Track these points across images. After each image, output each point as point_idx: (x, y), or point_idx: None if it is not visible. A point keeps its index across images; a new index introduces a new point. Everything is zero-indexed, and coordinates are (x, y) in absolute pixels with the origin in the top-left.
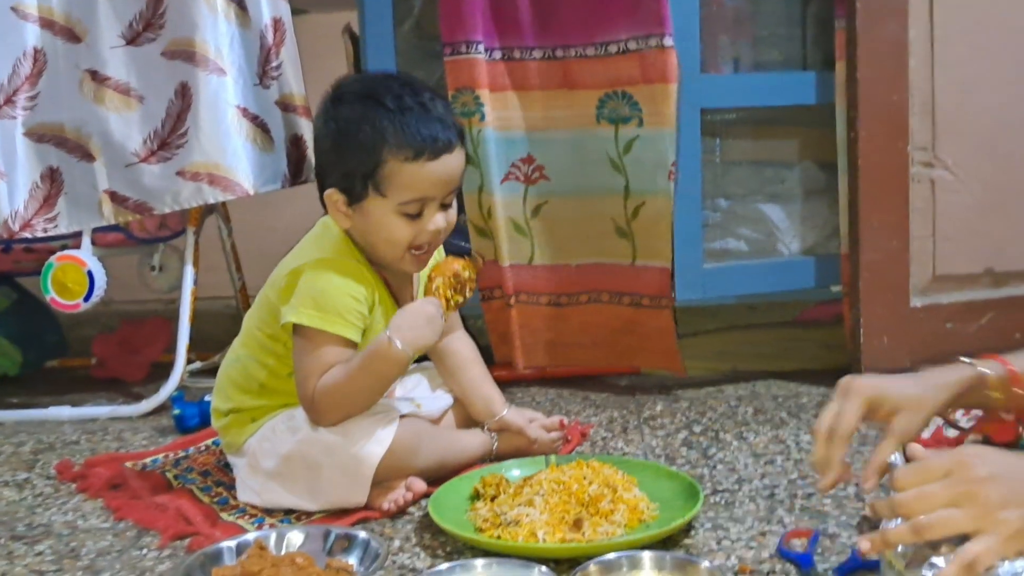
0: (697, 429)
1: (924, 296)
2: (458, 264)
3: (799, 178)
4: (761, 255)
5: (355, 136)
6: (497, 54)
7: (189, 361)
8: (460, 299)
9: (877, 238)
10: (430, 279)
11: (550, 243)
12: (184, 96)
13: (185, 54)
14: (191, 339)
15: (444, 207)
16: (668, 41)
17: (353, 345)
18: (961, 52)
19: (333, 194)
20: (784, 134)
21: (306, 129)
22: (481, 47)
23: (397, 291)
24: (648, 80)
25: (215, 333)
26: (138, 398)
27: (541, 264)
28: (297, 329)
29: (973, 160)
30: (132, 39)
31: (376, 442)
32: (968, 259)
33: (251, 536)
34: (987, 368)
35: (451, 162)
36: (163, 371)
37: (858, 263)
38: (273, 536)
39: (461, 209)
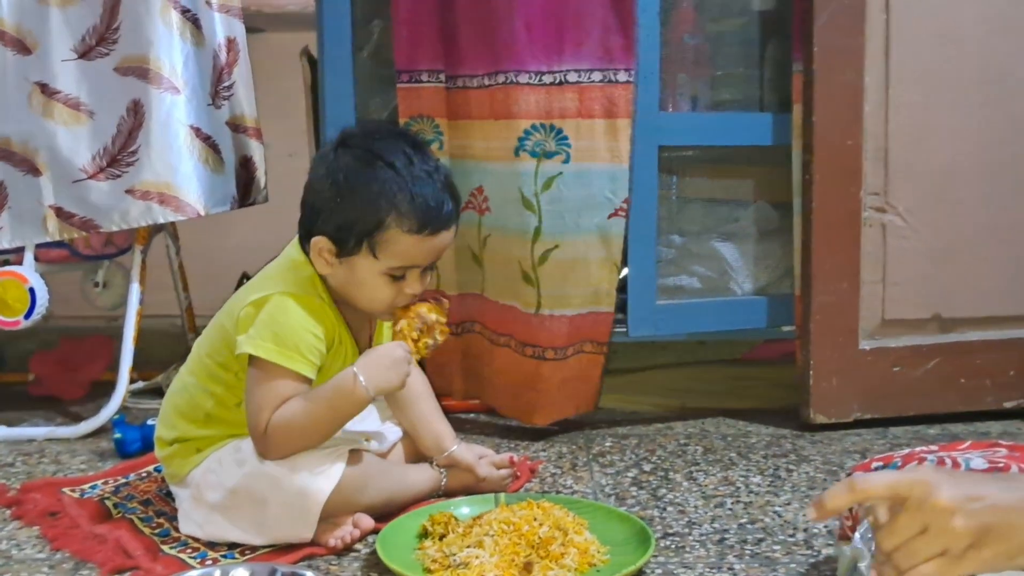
0: (647, 468)
1: (873, 339)
2: (424, 307)
3: (753, 217)
4: (714, 293)
5: (361, 193)
6: (451, 81)
7: (132, 381)
8: (429, 341)
9: (829, 280)
10: (395, 321)
11: (490, 276)
12: (136, 113)
13: (139, 71)
14: (134, 358)
15: (425, 270)
16: (623, 76)
17: (308, 382)
18: (915, 99)
19: (321, 242)
20: (740, 173)
21: (256, 151)
22: (442, 76)
23: (356, 331)
24: (587, 115)
25: (159, 352)
26: (76, 418)
27: (486, 296)
28: (253, 361)
29: (924, 207)
30: (84, 53)
31: (325, 478)
32: (917, 304)
33: (195, 573)
34: None
35: (448, 236)
36: (103, 390)
37: (810, 305)
38: (217, 572)
39: None
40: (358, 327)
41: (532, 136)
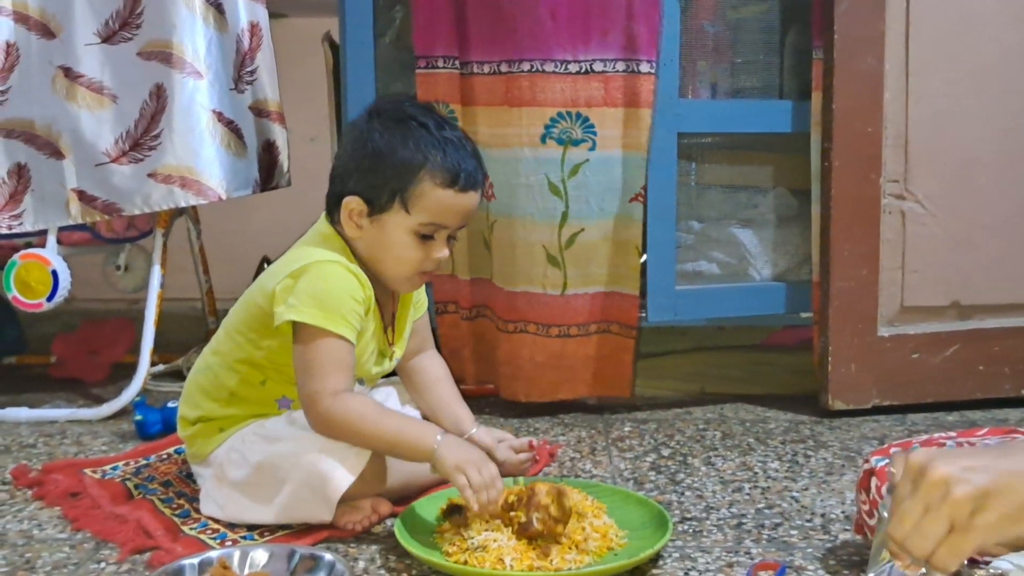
0: (665, 452)
1: (892, 326)
2: (545, 487)
3: (772, 204)
4: (733, 279)
5: (396, 149)
6: (465, 68)
7: (152, 363)
8: (523, 518)
9: (848, 267)
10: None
11: (496, 262)
12: (159, 98)
13: (162, 55)
14: (155, 341)
15: (450, 239)
16: (646, 67)
17: (352, 346)
18: (935, 86)
19: (353, 202)
20: (759, 160)
21: (279, 135)
22: (457, 62)
23: (381, 305)
24: (613, 103)
25: (179, 335)
26: (98, 400)
27: (465, 280)
28: (297, 329)
29: (943, 194)
30: (108, 37)
31: (348, 465)
32: (935, 291)
33: (214, 554)
34: None
35: (475, 199)
36: (124, 372)
37: (828, 291)
38: (237, 554)
39: None
40: (383, 301)
41: (559, 124)
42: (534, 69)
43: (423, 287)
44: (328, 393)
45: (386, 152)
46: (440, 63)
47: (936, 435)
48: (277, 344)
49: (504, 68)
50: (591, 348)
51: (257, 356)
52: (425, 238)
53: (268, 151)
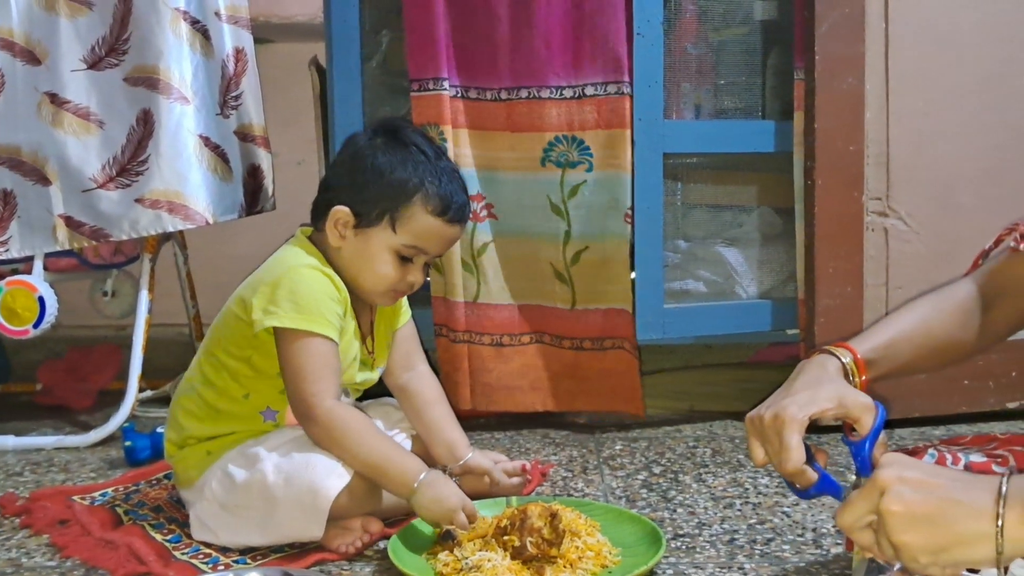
0: (656, 470)
1: None
2: (538, 509)
3: (757, 223)
4: (720, 297)
5: (395, 169)
6: (457, 91)
7: (140, 390)
8: (516, 542)
9: (832, 284)
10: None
11: (495, 282)
12: (146, 123)
13: (149, 81)
14: (142, 367)
15: (426, 265)
16: (627, 88)
17: (335, 345)
18: (916, 105)
19: (341, 211)
20: (743, 180)
21: (263, 159)
22: (446, 84)
23: (358, 314)
24: (605, 126)
25: (166, 361)
26: (85, 427)
27: (485, 303)
28: (280, 334)
29: (926, 211)
30: (94, 63)
31: (336, 476)
32: None
33: None
34: (844, 358)
35: (460, 232)
36: (111, 399)
37: (814, 308)
38: None
39: None
40: (360, 311)
41: (556, 147)
42: (531, 96)
43: (406, 302)
44: (327, 395)
45: (385, 170)
46: (431, 85)
47: (922, 444)
48: (258, 355)
49: (504, 96)
50: (606, 362)
51: (238, 369)
52: (404, 260)
53: (253, 175)
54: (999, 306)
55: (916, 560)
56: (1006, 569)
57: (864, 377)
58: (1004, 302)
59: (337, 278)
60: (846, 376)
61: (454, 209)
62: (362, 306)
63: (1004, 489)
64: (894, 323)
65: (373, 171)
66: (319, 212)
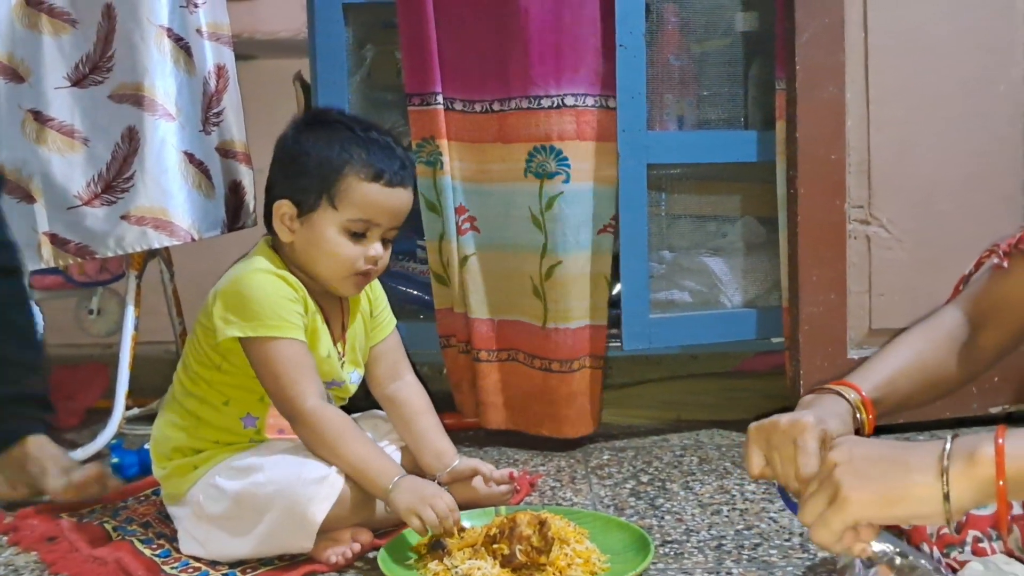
0: (644, 479)
1: (861, 348)
2: (527, 517)
3: (740, 232)
4: (705, 307)
5: (321, 152)
6: (446, 104)
7: (127, 407)
8: (506, 550)
9: (816, 292)
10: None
11: (474, 295)
12: (131, 140)
13: (134, 98)
14: (129, 384)
15: (385, 242)
16: (607, 100)
17: (303, 344)
18: (896, 113)
19: (283, 205)
20: (726, 190)
21: (245, 176)
22: (440, 97)
23: (329, 318)
24: (583, 137)
25: (153, 379)
26: (72, 445)
27: (460, 313)
28: (247, 345)
29: (907, 218)
30: (78, 81)
31: (328, 486)
32: (902, 314)
33: None
34: (849, 395)
35: (403, 196)
36: (98, 418)
37: (798, 316)
38: None
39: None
40: (331, 313)
41: (536, 157)
42: (516, 107)
43: (390, 313)
44: (309, 394)
45: (311, 152)
46: (430, 99)
47: None
48: (227, 363)
49: (496, 107)
50: (574, 385)
51: (212, 377)
52: (357, 236)
53: (235, 191)
54: (988, 329)
55: (866, 515)
56: (959, 528)
57: (871, 416)
58: (992, 324)
59: (291, 277)
60: (853, 416)
61: (389, 173)
62: (333, 307)
63: (948, 447)
64: (891, 358)
65: (300, 156)
66: (268, 216)
